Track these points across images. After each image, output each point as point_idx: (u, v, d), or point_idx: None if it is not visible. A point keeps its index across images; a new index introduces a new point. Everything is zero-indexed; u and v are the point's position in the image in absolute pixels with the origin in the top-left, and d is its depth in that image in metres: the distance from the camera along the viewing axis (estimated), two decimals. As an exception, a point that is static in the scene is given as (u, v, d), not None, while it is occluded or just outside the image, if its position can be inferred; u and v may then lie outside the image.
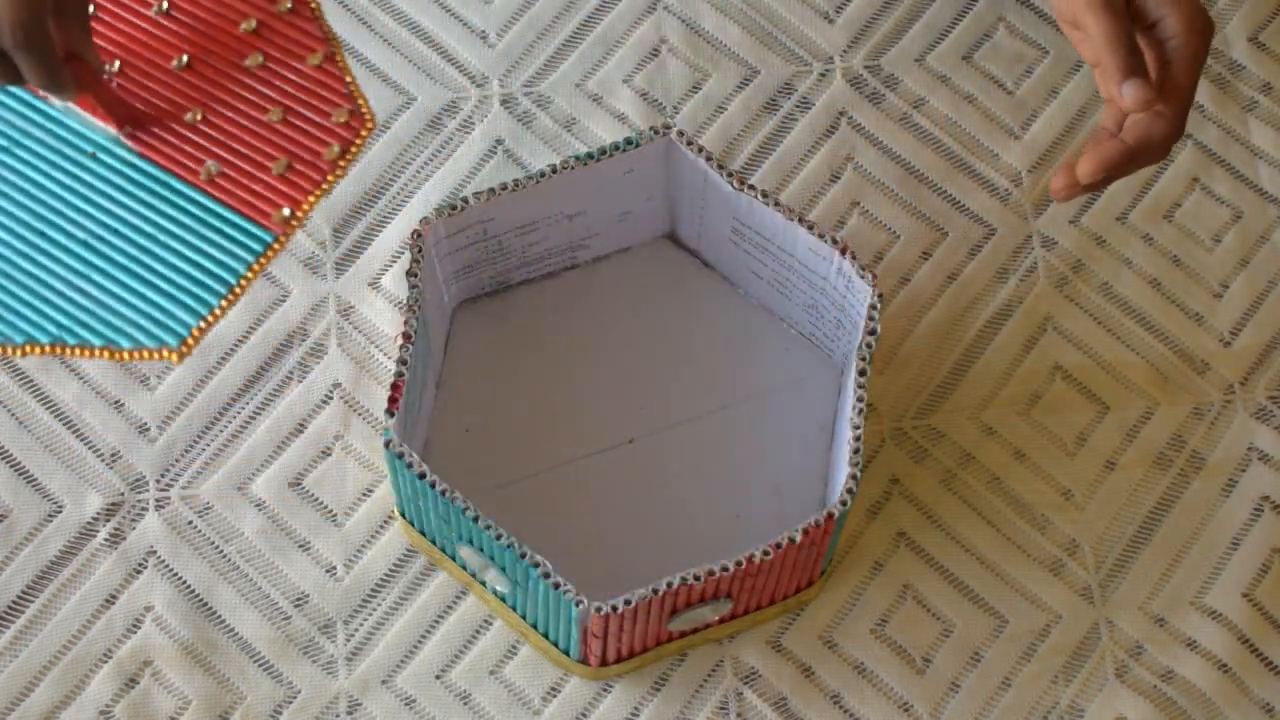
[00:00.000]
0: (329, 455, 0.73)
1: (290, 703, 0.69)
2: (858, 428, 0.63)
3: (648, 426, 0.72)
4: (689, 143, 0.68)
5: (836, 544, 0.68)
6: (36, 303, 0.64)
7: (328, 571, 0.72)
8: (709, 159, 0.67)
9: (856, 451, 0.63)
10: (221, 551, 0.72)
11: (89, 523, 0.72)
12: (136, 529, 0.72)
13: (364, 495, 0.73)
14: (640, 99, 0.80)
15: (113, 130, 0.65)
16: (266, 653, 0.70)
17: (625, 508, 0.71)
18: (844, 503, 0.62)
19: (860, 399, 0.63)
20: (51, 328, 0.64)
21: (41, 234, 0.64)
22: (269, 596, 0.71)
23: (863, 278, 0.65)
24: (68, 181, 0.64)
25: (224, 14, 0.67)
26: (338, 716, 0.69)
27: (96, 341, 0.63)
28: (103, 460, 0.73)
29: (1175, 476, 0.74)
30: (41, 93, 0.66)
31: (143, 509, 0.72)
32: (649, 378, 0.74)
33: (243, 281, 0.64)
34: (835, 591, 0.71)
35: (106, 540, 0.72)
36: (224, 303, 0.63)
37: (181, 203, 0.64)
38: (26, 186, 0.64)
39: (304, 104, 0.66)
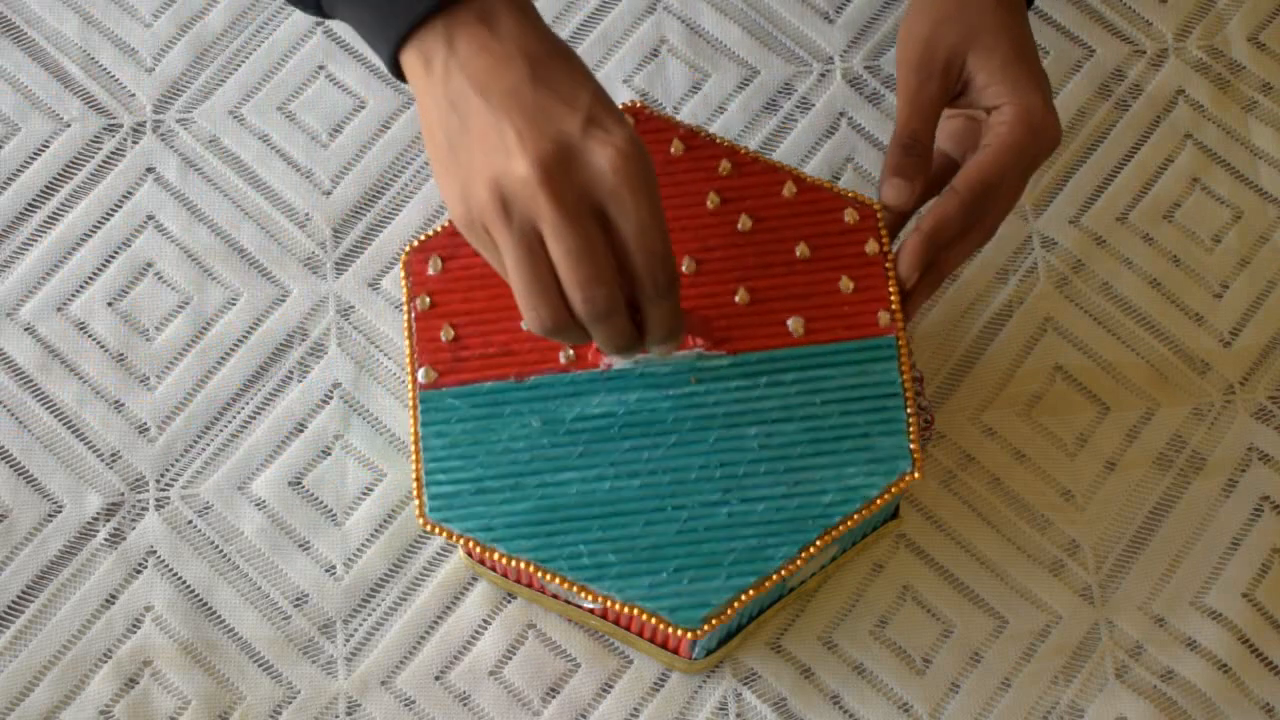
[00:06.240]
0: (329, 455, 0.73)
1: (290, 703, 0.69)
2: None
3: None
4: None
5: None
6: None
7: (328, 571, 0.72)
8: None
9: None
10: (221, 551, 0.72)
11: (89, 523, 0.72)
12: (136, 529, 0.72)
13: (364, 495, 0.73)
14: (640, 99, 0.80)
15: (693, 348, 0.62)
16: (266, 653, 0.70)
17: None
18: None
19: None
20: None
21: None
22: (269, 596, 0.71)
23: None
24: (686, 413, 0.62)
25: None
26: (337, 717, 0.69)
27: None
28: (103, 460, 0.73)
29: (1175, 477, 0.74)
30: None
31: (143, 509, 0.72)
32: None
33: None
34: (835, 592, 0.71)
35: (106, 540, 0.72)
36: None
37: (799, 363, 0.62)
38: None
39: (821, 233, 0.65)
